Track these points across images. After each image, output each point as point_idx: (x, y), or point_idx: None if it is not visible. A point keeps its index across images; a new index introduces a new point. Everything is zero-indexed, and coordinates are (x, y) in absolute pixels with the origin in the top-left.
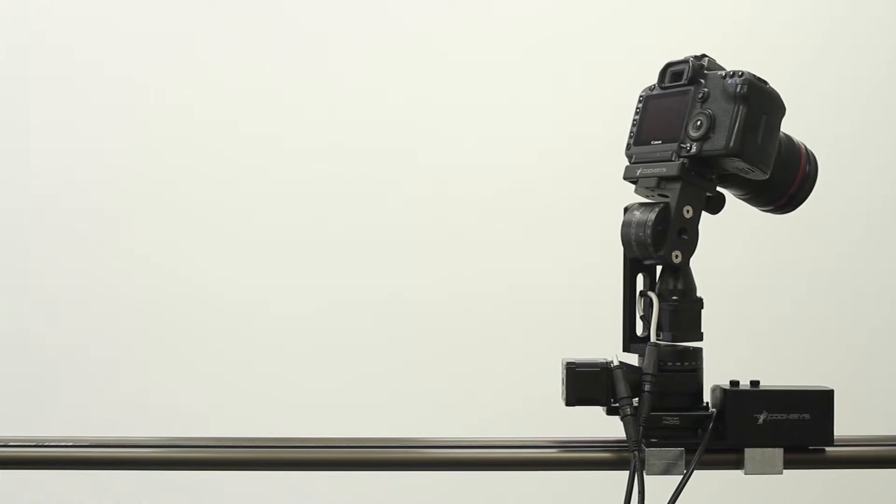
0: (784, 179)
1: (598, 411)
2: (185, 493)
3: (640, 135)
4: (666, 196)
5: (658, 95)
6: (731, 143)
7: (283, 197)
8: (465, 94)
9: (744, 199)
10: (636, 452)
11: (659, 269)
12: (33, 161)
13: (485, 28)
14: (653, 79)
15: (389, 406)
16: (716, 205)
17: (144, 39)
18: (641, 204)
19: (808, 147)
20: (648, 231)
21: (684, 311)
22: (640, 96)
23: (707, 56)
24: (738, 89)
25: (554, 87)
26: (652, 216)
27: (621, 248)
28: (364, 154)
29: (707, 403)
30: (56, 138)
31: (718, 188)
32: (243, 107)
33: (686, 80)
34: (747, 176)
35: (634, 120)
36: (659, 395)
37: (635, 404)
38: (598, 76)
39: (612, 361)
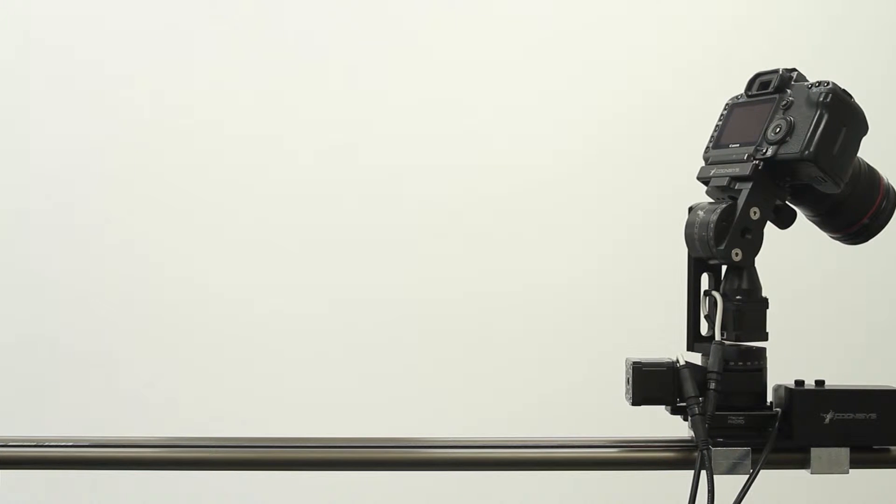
0: (858, 207)
1: (612, 411)
2: (185, 493)
3: (720, 139)
4: (735, 198)
5: (744, 103)
6: (807, 148)
7: (283, 197)
8: (472, 94)
9: (814, 221)
10: (705, 451)
11: (724, 269)
12: (33, 161)
13: (494, 27)
14: (662, 78)
15: (389, 406)
16: (785, 219)
17: (144, 39)
18: (708, 203)
19: (892, 183)
20: (711, 226)
21: (749, 311)
22: (727, 104)
23: (797, 70)
24: (821, 97)
25: (567, 86)
26: (715, 214)
27: (685, 247)
28: (366, 154)
29: (770, 403)
30: (56, 138)
31: (790, 203)
32: (243, 107)
33: (773, 88)
34: (819, 187)
35: (717, 125)
36: (723, 395)
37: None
38: (611, 75)
39: (677, 360)
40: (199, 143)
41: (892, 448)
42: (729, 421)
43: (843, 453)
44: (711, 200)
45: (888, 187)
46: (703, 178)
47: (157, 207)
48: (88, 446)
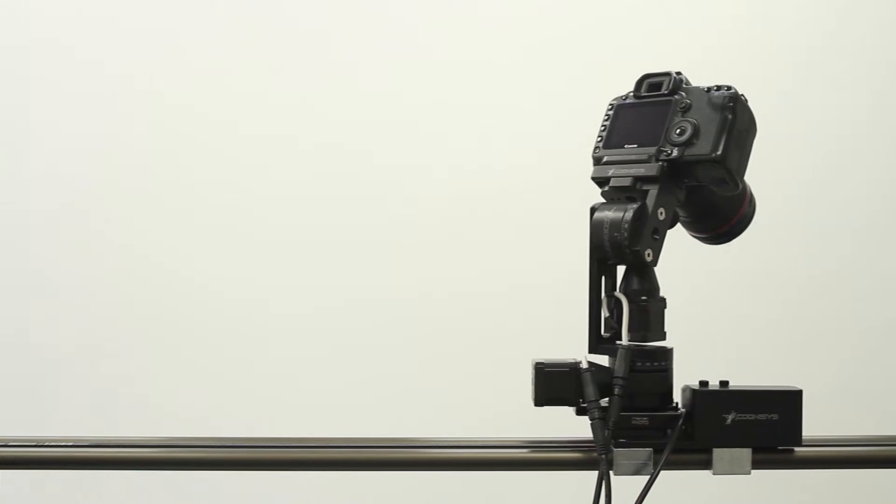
0: (729, 209)
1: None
2: (185, 493)
3: (612, 139)
4: (634, 199)
5: (633, 104)
6: (716, 150)
7: (282, 197)
8: (470, 94)
9: (685, 221)
10: (603, 455)
11: (621, 270)
12: (33, 161)
13: (488, 29)
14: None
15: (390, 406)
16: (674, 219)
17: (144, 39)
18: (611, 204)
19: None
20: (625, 227)
21: (653, 311)
22: (611, 104)
23: (682, 73)
24: (725, 101)
25: (557, 88)
26: (629, 214)
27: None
28: (365, 154)
29: (677, 404)
30: (56, 138)
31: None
32: (243, 107)
33: (666, 90)
34: (718, 188)
35: (604, 125)
36: (628, 396)
37: (604, 404)
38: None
39: (580, 362)
40: (199, 143)
41: (796, 449)
42: (633, 422)
43: (745, 454)
44: (604, 201)
45: (751, 192)
46: (600, 178)
47: (157, 207)
48: (88, 446)
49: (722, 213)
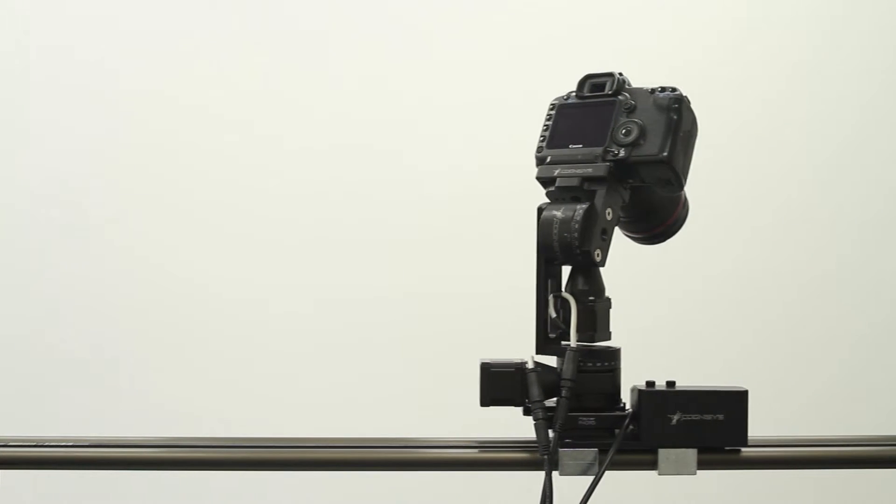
0: (665, 211)
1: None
2: (185, 493)
3: (555, 138)
4: (580, 199)
5: (575, 104)
6: (664, 150)
7: (281, 197)
8: (469, 94)
9: (623, 221)
10: (545, 456)
11: (567, 270)
12: (33, 161)
13: (487, 29)
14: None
15: (388, 406)
16: (617, 220)
17: (144, 39)
18: (559, 204)
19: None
20: (576, 228)
21: (600, 312)
22: (553, 104)
23: (623, 74)
24: (671, 102)
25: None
26: (579, 214)
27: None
28: (364, 154)
29: (624, 404)
30: (56, 138)
31: None
32: (243, 107)
33: (609, 91)
34: (663, 189)
35: (546, 125)
36: (576, 396)
37: (549, 404)
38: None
39: (526, 362)
40: (199, 143)
41: (743, 449)
42: (580, 422)
43: (691, 454)
44: (548, 201)
45: (685, 194)
46: (546, 178)
47: (157, 207)
48: (88, 446)
49: (659, 214)
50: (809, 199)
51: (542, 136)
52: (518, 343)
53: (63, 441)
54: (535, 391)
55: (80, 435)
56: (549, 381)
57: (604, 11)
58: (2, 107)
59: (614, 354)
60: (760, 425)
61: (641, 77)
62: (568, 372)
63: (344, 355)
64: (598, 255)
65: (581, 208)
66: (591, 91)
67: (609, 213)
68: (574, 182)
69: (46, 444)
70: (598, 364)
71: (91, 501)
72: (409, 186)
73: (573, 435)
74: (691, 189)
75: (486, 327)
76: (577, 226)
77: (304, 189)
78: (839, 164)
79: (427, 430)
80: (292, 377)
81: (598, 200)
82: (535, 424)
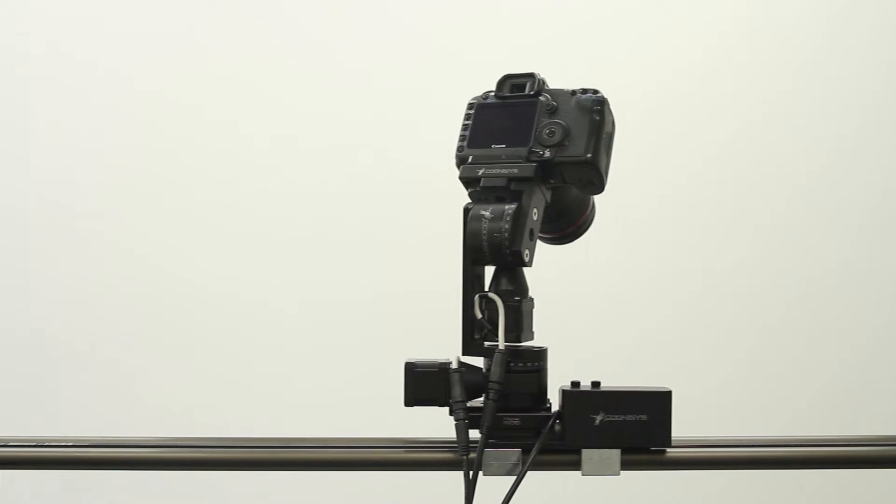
0: (576, 212)
1: None
2: (185, 493)
3: (477, 138)
4: (504, 199)
5: (495, 105)
6: (589, 151)
7: (281, 197)
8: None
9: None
10: (465, 456)
11: (491, 271)
12: (33, 161)
13: (489, 28)
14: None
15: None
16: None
17: (144, 39)
18: (486, 204)
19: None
20: (506, 228)
21: (526, 312)
22: (471, 103)
23: (539, 73)
24: (593, 104)
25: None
26: (509, 215)
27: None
28: (364, 154)
29: (551, 405)
30: (56, 138)
31: None
32: (243, 107)
33: (531, 92)
34: (584, 189)
35: (466, 125)
36: (501, 396)
37: (476, 404)
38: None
39: (451, 363)
40: (198, 143)
41: (668, 450)
42: (504, 422)
43: (614, 455)
44: (470, 201)
45: (593, 196)
46: (470, 178)
47: (157, 207)
48: (88, 446)
49: (571, 214)
50: (809, 199)
51: (462, 136)
52: (453, 344)
53: (63, 441)
54: (457, 391)
55: (80, 435)
56: (473, 381)
57: (603, 12)
58: (2, 107)
59: (541, 355)
60: (761, 425)
61: (641, 76)
62: (496, 374)
63: (350, 355)
64: (527, 255)
65: (511, 208)
66: (511, 91)
67: (535, 214)
68: (500, 182)
69: (46, 444)
70: (525, 364)
71: (91, 501)
72: (424, 185)
73: (498, 435)
74: (692, 188)
75: (417, 327)
76: (507, 226)
77: (304, 189)
78: (839, 164)
79: (368, 432)
80: (292, 377)
81: (526, 201)
82: (455, 425)
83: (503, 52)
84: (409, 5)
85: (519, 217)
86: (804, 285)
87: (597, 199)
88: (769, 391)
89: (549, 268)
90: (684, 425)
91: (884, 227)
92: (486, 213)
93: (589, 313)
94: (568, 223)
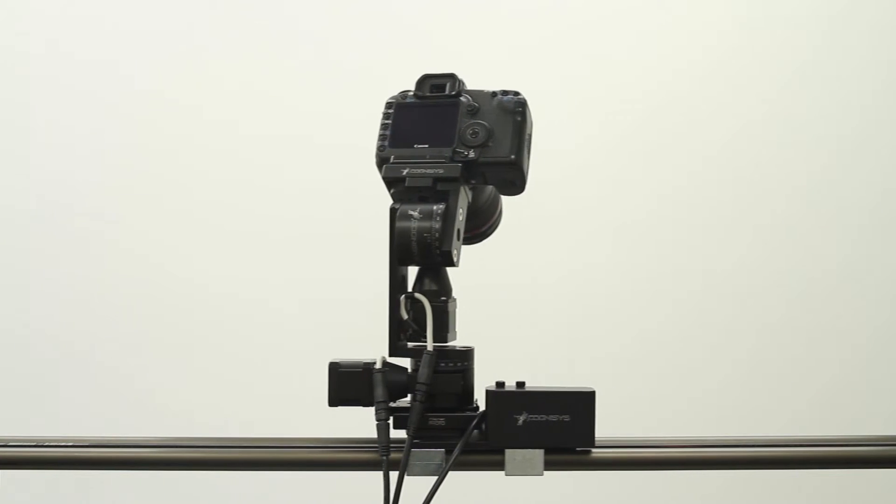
0: (486, 213)
1: None
2: (185, 493)
3: (398, 138)
4: (428, 199)
5: (416, 104)
6: (513, 152)
7: (281, 197)
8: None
9: None
10: (385, 456)
11: (415, 272)
12: (33, 161)
13: (489, 27)
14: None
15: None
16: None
17: (144, 39)
18: (413, 204)
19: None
20: (436, 229)
21: (450, 312)
22: (389, 102)
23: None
24: (515, 105)
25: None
26: (439, 215)
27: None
28: (364, 154)
29: (477, 405)
30: (56, 138)
31: None
32: (243, 107)
33: (451, 92)
34: (507, 189)
35: (385, 124)
36: (427, 396)
37: (403, 405)
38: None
39: (375, 363)
40: (199, 143)
41: (593, 450)
42: (430, 422)
43: (538, 455)
44: (392, 201)
45: (501, 198)
46: (393, 178)
47: (157, 207)
48: (88, 446)
49: (484, 214)
50: (809, 199)
51: (382, 135)
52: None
53: (63, 441)
54: (379, 392)
55: (80, 435)
56: (397, 381)
57: (603, 12)
58: (2, 107)
59: (467, 355)
60: (761, 425)
61: (641, 76)
62: (423, 375)
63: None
64: (455, 255)
65: (440, 208)
66: (431, 91)
67: (461, 214)
68: (426, 182)
69: (46, 444)
70: (451, 364)
71: (91, 501)
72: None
73: (423, 435)
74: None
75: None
76: (437, 226)
77: (304, 189)
78: (839, 164)
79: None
80: (292, 377)
81: (453, 201)
82: (377, 425)
83: (503, 52)
84: (409, 5)
85: (447, 217)
86: (804, 285)
87: (597, 198)
88: (769, 391)
89: (549, 268)
90: (685, 425)
91: (884, 227)
92: (415, 213)
93: (589, 313)
94: (480, 223)
